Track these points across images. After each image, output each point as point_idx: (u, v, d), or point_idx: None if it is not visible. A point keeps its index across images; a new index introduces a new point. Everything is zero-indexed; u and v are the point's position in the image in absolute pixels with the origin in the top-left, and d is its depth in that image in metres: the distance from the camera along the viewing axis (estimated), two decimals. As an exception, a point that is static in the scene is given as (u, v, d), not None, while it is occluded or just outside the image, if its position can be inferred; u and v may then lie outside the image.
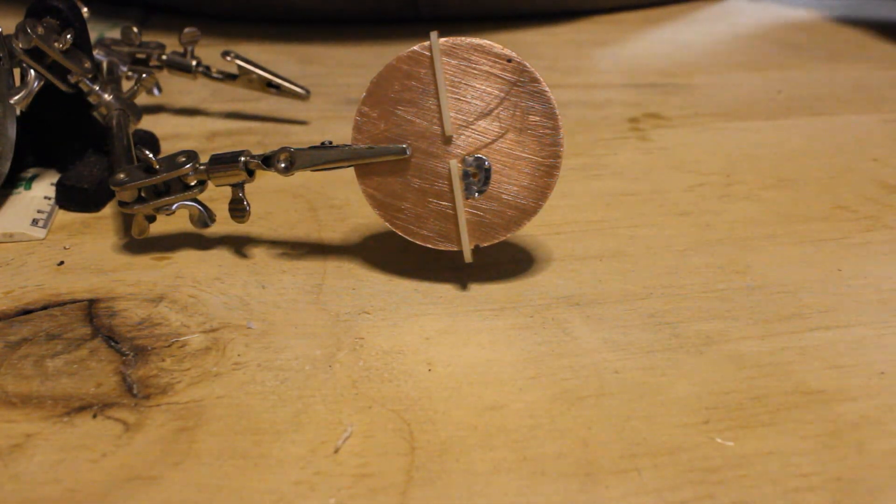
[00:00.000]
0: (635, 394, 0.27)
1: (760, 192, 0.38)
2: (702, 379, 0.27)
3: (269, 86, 0.43)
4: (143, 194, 0.32)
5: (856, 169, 0.40)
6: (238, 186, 0.32)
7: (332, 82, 0.50)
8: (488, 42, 0.30)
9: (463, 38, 0.30)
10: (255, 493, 0.23)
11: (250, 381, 0.27)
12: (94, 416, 0.26)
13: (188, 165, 0.31)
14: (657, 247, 0.34)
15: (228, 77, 0.44)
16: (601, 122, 0.45)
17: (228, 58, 0.43)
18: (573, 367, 0.28)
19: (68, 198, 0.36)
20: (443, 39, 0.30)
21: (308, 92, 0.44)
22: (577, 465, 0.24)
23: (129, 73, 0.42)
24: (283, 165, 0.31)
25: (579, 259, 0.34)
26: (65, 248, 0.34)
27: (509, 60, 0.30)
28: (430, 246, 0.31)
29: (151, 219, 0.33)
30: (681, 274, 0.33)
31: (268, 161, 0.31)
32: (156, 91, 0.43)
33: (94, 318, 0.30)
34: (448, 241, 0.31)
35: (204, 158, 0.32)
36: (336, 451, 0.25)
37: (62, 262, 0.33)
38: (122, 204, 0.32)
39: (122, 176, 0.32)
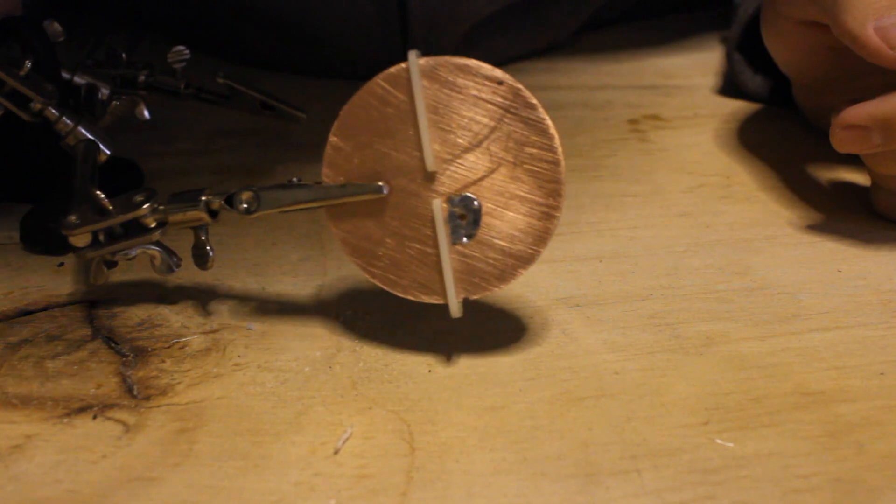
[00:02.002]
0: (635, 395, 0.27)
1: (760, 193, 0.38)
2: (702, 380, 0.27)
3: (263, 107, 0.40)
4: (100, 238, 0.29)
5: (857, 170, 0.40)
6: (201, 229, 0.29)
7: (336, 82, 0.50)
8: (475, 62, 0.26)
9: (447, 58, 0.26)
10: (255, 494, 0.23)
11: (250, 383, 0.27)
12: (95, 418, 0.26)
13: (145, 206, 0.28)
14: (657, 248, 0.34)
15: (220, 98, 0.40)
16: (601, 123, 0.45)
17: (220, 79, 0.39)
18: (573, 368, 0.28)
19: (32, 238, 0.34)
20: (423, 59, 0.26)
21: (304, 114, 0.40)
22: (577, 466, 0.24)
23: (113, 101, 0.39)
24: (244, 206, 0.28)
25: (579, 260, 0.34)
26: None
27: (500, 83, 0.26)
28: (410, 298, 0.27)
29: (111, 264, 0.30)
30: (681, 275, 0.33)
31: (230, 200, 0.28)
32: (146, 114, 0.39)
33: (95, 319, 0.30)
34: (432, 293, 0.27)
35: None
36: (336, 452, 0.25)
37: (62, 264, 0.33)
38: (75, 250, 0.29)
39: (73, 218, 0.28)
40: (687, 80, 0.50)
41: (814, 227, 0.36)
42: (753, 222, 0.36)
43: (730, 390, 0.27)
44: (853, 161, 0.40)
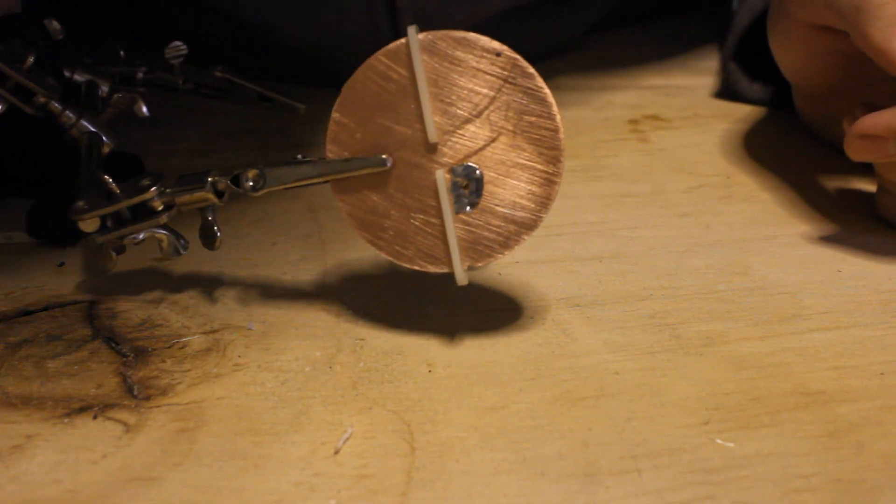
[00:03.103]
0: (635, 395, 0.27)
1: (760, 193, 0.38)
2: (702, 380, 0.27)
3: (262, 99, 0.40)
4: (108, 223, 0.29)
5: (857, 170, 0.40)
6: (208, 210, 0.30)
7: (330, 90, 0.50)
8: (474, 34, 0.27)
9: (445, 32, 0.27)
10: (255, 494, 0.24)
11: (251, 383, 0.27)
12: (95, 417, 0.26)
13: (152, 189, 0.29)
14: (657, 248, 0.34)
15: (219, 92, 0.41)
16: (601, 123, 0.45)
17: (218, 72, 0.40)
18: (573, 368, 0.28)
19: (39, 230, 0.34)
20: (422, 34, 0.27)
21: (303, 105, 0.41)
22: (577, 466, 0.24)
23: (114, 94, 0.39)
24: (250, 184, 0.28)
25: (579, 260, 0.34)
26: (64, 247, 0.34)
27: (498, 54, 0.27)
28: (417, 268, 0.28)
29: (120, 249, 0.30)
30: (681, 275, 0.33)
31: (237, 180, 0.29)
32: (144, 110, 0.39)
33: (95, 319, 0.30)
34: (438, 262, 0.28)
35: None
36: (336, 451, 0.25)
37: (63, 263, 0.33)
38: (84, 236, 0.29)
39: (81, 204, 0.29)
40: (687, 81, 0.50)
41: (814, 228, 0.36)
42: (753, 222, 0.36)
43: (730, 390, 0.27)
44: (853, 163, 0.40)
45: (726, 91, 0.48)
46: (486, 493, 0.24)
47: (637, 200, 0.38)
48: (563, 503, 0.23)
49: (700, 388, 0.27)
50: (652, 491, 0.24)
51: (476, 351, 0.29)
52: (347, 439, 0.25)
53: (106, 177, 0.29)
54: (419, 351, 0.29)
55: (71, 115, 0.34)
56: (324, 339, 0.29)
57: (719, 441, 0.25)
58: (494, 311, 0.31)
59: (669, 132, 0.44)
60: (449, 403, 0.27)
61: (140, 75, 0.39)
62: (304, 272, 0.33)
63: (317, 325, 0.30)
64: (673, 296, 0.31)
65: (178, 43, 0.39)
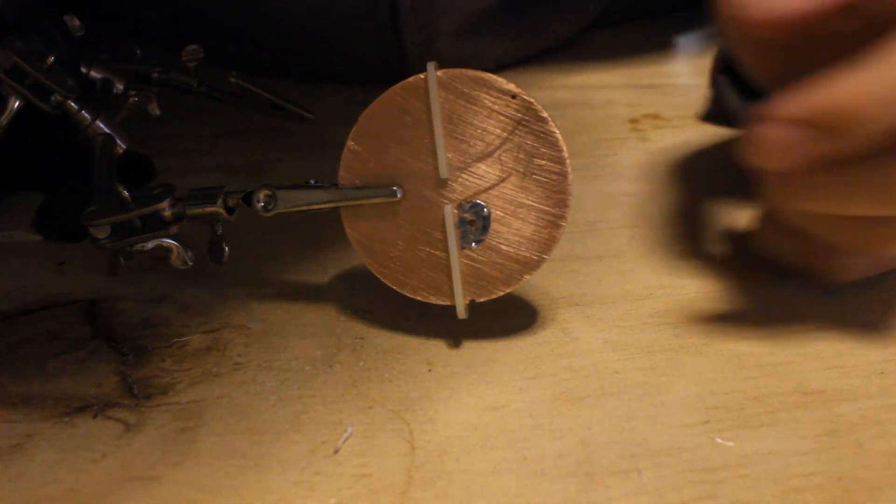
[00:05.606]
0: (635, 394, 0.27)
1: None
2: (702, 379, 0.27)
3: (273, 107, 0.41)
4: (119, 230, 0.30)
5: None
6: (217, 224, 0.30)
7: (330, 86, 0.50)
8: (491, 76, 0.27)
9: (463, 71, 0.27)
10: (255, 493, 0.24)
11: (250, 382, 0.27)
12: (95, 417, 0.26)
13: (164, 201, 0.29)
14: (657, 247, 0.34)
15: (231, 97, 0.42)
16: (601, 122, 0.45)
17: (232, 78, 0.41)
18: (573, 368, 0.28)
19: (47, 226, 0.35)
20: (441, 71, 0.27)
21: (314, 114, 0.42)
22: (577, 465, 0.24)
23: (128, 92, 0.40)
24: (262, 205, 0.29)
25: (579, 259, 0.34)
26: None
27: (514, 96, 0.27)
28: (419, 299, 0.28)
29: (127, 255, 0.31)
30: (681, 274, 0.33)
31: (248, 198, 0.29)
32: (157, 110, 0.39)
33: (95, 318, 0.30)
34: (440, 295, 0.28)
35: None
36: (336, 451, 0.25)
37: (63, 262, 0.33)
38: (93, 241, 0.30)
39: (93, 210, 0.30)
40: (687, 80, 0.50)
41: (814, 227, 0.36)
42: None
43: (730, 389, 0.27)
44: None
45: (715, 113, 0.47)
46: (486, 492, 0.24)
47: (637, 200, 0.38)
48: (562, 502, 0.23)
49: (700, 388, 0.27)
50: (652, 490, 0.24)
51: (476, 350, 0.29)
52: (347, 438, 0.25)
53: (120, 186, 0.30)
54: (419, 350, 0.29)
55: (87, 115, 0.34)
56: (324, 338, 0.29)
57: (719, 440, 0.25)
58: (494, 310, 0.31)
59: (669, 131, 0.44)
60: (449, 402, 0.27)
61: (155, 75, 0.40)
62: (304, 272, 0.33)
63: (317, 324, 0.30)
64: (673, 295, 0.32)
65: (194, 47, 0.40)
